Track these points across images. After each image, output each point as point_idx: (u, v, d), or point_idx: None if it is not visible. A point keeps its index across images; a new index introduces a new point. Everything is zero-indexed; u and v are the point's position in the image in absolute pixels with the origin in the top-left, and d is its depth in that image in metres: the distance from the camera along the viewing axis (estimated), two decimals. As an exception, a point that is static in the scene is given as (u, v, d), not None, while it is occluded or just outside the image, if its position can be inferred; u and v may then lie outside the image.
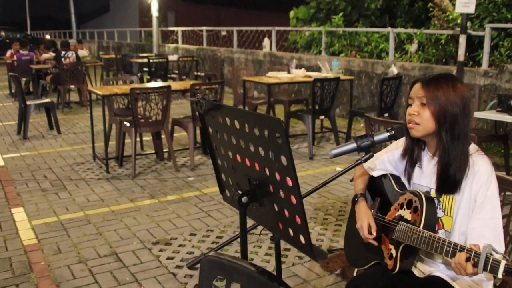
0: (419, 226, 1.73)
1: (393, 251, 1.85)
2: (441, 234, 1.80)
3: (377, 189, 2.09)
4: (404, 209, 1.85)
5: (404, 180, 1.98)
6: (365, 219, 1.96)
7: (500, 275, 1.39)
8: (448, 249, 1.58)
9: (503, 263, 1.38)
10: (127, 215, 4.12)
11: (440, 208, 1.82)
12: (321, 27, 9.98)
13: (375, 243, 1.93)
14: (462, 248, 1.54)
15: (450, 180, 1.77)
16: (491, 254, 1.43)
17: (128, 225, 3.91)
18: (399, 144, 1.99)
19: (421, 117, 1.79)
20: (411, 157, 1.90)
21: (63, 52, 9.95)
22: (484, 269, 1.43)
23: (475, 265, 1.48)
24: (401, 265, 1.82)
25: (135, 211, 4.22)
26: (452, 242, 1.58)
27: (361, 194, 2.09)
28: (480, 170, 1.74)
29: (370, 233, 1.93)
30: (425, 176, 1.88)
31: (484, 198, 1.71)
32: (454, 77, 1.82)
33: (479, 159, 1.76)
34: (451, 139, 1.76)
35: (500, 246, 1.67)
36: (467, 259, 1.50)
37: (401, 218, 1.85)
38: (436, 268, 1.88)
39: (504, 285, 1.94)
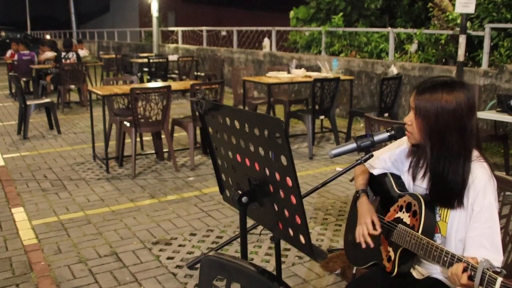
0: (417, 231, 1.72)
1: (392, 254, 1.85)
2: (437, 238, 1.80)
3: (378, 187, 2.09)
4: (403, 212, 1.85)
5: (405, 179, 1.97)
6: (368, 215, 1.94)
7: None
8: (445, 258, 1.57)
9: (499, 280, 1.38)
10: (127, 215, 4.12)
11: (437, 213, 1.80)
12: (321, 27, 9.98)
13: (371, 244, 1.92)
14: (459, 260, 1.52)
15: (441, 197, 1.75)
16: (487, 269, 1.42)
17: (128, 225, 3.91)
18: (401, 143, 1.97)
19: (413, 128, 1.77)
20: (416, 157, 1.88)
21: (63, 53, 9.94)
22: (480, 284, 1.42)
23: (470, 278, 1.47)
24: (399, 269, 1.82)
25: (135, 211, 4.22)
26: (450, 252, 1.57)
27: (362, 190, 2.08)
28: (477, 179, 1.70)
29: (374, 229, 1.92)
30: (426, 180, 1.85)
31: (481, 207, 1.68)
32: (454, 86, 1.70)
33: (477, 167, 1.72)
34: (437, 155, 1.72)
35: (498, 255, 1.65)
36: (464, 270, 1.49)
37: (400, 221, 1.84)
38: (434, 270, 1.87)
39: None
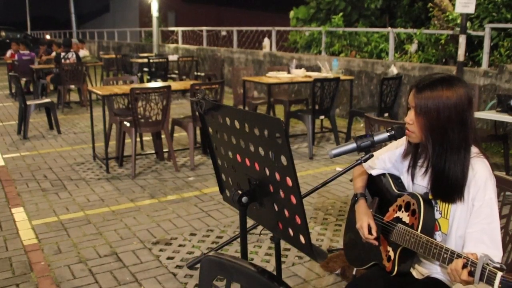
0: (416, 230, 1.73)
1: (391, 253, 1.86)
2: (437, 236, 1.80)
3: (376, 188, 2.09)
4: (402, 211, 1.85)
5: (404, 180, 1.97)
6: (365, 219, 1.95)
7: (496, 287, 1.38)
8: (445, 255, 1.57)
9: (499, 274, 1.38)
10: (127, 215, 4.12)
11: (437, 210, 1.80)
12: (321, 27, 9.98)
13: (376, 243, 1.93)
14: (459, 256, 1.53)
15: (443, 191, 1.75)
16: (487, 264, 1.42)
17: (128, 225, 3.91)
18: (400, 143, 1.98)
19: (415, 126, 1.78)
20: (413, 157, 1.89)
21: (63, 54, 9.94)
22: (481, 279, 1.42)
23: (470, 273, 1.47)
24: (399, 268, 1.82)
25: (135, 211, 4.22)
26: (450, 249, 1.57)
27: (360, 193, 2.08)
28: (477, 174, 1.71)
29: (370, 233, 1.92)
30: (426, 178, 1.85)
31: (481, 203, 1.68)
32: (452, 81, 1.73)
33: (477, 163, 1.73)
34: (439, 151, 1.73)
35: (498, 251, 1.65)
36: (464, 266, 1.49)
37: (399, 220, 1.84)
38: (434, 270, 1.87)
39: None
